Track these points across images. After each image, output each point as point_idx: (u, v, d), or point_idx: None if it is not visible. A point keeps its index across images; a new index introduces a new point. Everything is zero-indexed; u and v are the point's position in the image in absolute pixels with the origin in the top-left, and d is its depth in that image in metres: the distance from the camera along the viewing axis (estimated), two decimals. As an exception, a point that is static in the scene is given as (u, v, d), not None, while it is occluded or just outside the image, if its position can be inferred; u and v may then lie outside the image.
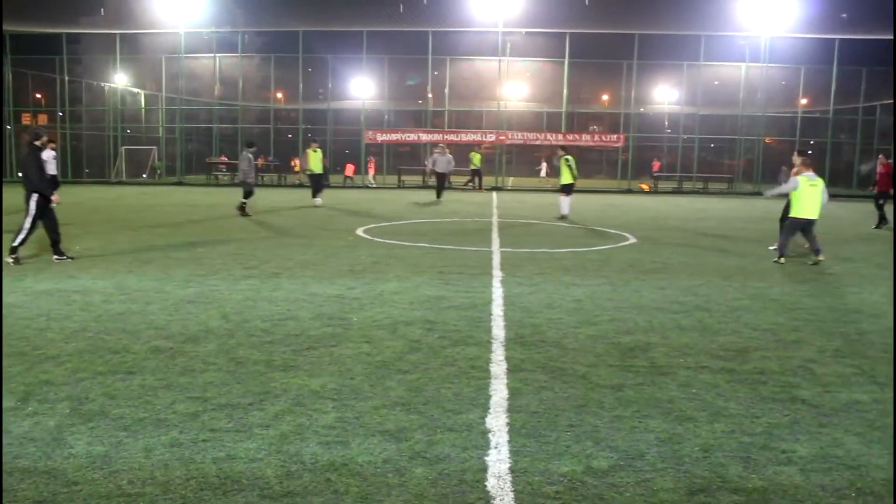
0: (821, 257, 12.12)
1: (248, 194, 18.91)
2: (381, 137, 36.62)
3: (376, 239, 14.19)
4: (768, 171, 35.18)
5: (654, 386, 5.59)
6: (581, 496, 3.83)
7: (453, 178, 31.23)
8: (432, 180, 26.39)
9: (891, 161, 20.23)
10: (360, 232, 15.35)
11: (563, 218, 19.41)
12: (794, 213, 12.37)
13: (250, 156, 19.16)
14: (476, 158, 32.74)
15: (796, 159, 13.68)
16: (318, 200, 22.32)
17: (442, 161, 24.28)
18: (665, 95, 41.02)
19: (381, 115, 39.86)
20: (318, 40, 37.33)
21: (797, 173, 12.50)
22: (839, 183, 35.80)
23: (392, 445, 4.40)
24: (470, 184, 33.19)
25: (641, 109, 38.96)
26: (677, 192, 35.59)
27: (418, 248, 12.99)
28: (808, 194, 12.15)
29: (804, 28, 32.98)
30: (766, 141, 37.85)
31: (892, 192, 19.19)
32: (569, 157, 20.13)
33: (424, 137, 37.98)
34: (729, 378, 5.82)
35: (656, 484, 3.98)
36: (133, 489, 3.81)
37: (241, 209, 18.70)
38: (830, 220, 20.88)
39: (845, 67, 35.22)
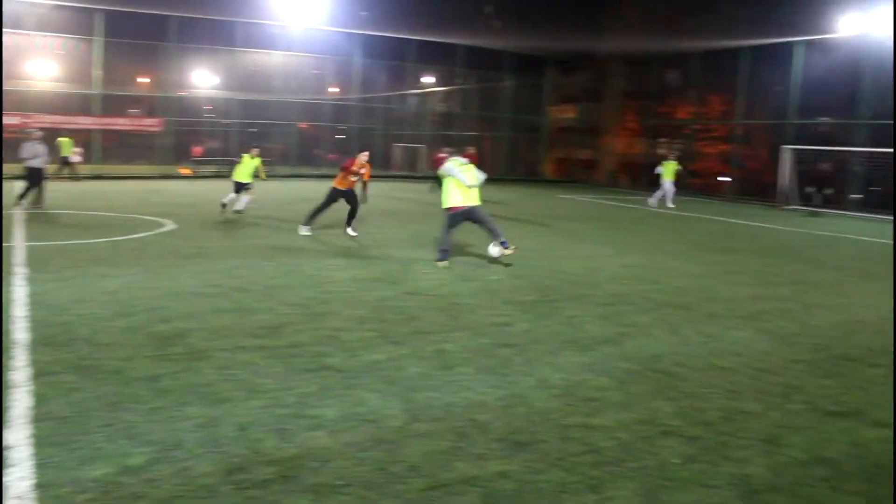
0: (508, 251, 10.70)
1: (31, 186, 16.64)
2: None
3: None
4: (303, 154, 37.24)
5: (191, 372, 5.57)
6: (117, 498, 3.68)
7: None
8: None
9: (470, 150, 23.48)
10: None
11: (225, 208, 17.08)
12: (444, 204, 10.87)
13: (36, 144, 16.96)
14: (64, 145, 27.86)
15: (362, 156, 13.46)
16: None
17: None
18: (205, 80, 40.58)
19: None
20: None
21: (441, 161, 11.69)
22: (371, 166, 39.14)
23: None
24: (66, 173, 27.81)
25: (181, 93, 37.99)
26: (219, 175, 35.52)
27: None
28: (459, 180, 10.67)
29: (333, 22, 35.13)
30: (301, 126, 39.63)
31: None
32: (256, 155, 17.42)
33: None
34: (265, 355, 6.05)
35: (195, 470, 4.00)
36: None
37: (20, 198, 16.45)
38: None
39: (368, 60, 38.43)
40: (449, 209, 10.77)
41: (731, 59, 33.59)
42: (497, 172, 41.94)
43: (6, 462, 4.02)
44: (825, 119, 32.54)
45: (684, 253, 13.72)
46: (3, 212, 14.54)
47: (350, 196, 13.62)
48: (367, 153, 13.75)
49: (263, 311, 7.56)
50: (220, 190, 21.38)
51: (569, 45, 38.99)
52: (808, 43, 30.29)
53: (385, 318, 7.48)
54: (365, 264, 10.75)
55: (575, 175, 44.44)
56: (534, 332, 7.22)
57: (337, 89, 42.16)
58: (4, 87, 34.97)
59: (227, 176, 34.90)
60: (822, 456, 4.60)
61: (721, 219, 22.20)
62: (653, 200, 24.84)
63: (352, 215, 13.69)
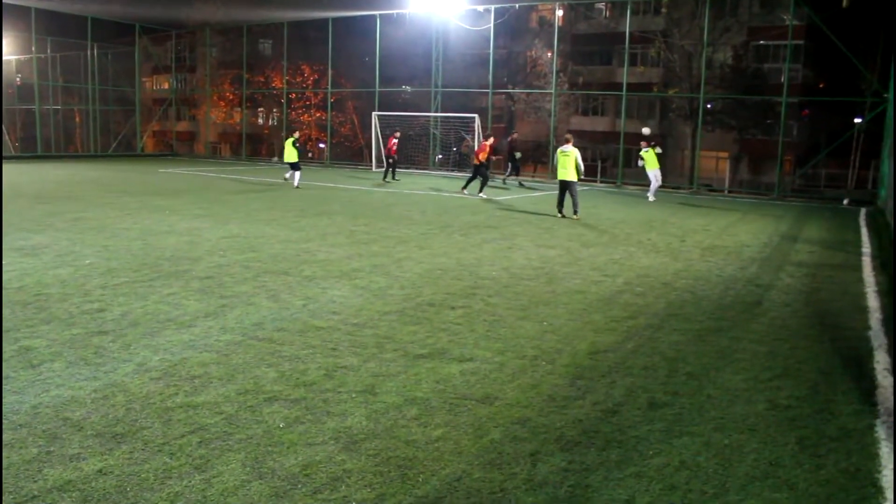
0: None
1: None
2: None
3: None
4: None
5: None
6: None
7: None
8: None
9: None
10: None
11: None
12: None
13: None
14: None
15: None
16: None
17: None
18: None
19: None
20: None
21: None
22: None
23: None
24: None
25: None
26: None
27: None
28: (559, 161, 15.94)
29: None
30: None
31: None
32: (297, 137, 22.08)
33: None
34: None
35: None
36: None
37: None
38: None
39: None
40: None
41: (320, 29, 34.70)
42: (90, 149, 38.84)
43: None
44: (406, 87, 35.28)
45: (282, 220, 14.03)
46: None
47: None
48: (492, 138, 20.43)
49: None
50: None
51: (158, 12, 37.14)
52: (385, 17, 32.32)
53: (-48, 321, 6.56)
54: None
55: (175, 148, 42.86)
56: (130, 315, 6.88)
57: None
58: None
59: None
60: (414, 396, 5.06)
61: (318, 184, 23.05)
62: (650, 196, 21.95)
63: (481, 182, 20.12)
